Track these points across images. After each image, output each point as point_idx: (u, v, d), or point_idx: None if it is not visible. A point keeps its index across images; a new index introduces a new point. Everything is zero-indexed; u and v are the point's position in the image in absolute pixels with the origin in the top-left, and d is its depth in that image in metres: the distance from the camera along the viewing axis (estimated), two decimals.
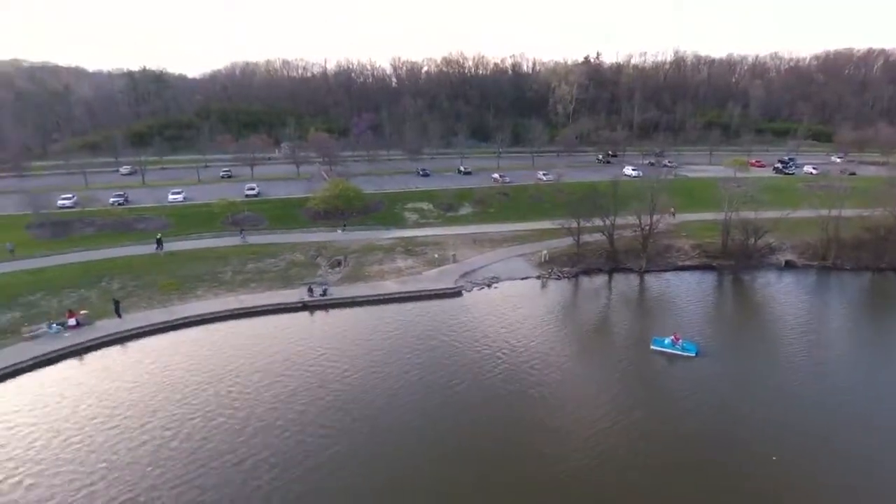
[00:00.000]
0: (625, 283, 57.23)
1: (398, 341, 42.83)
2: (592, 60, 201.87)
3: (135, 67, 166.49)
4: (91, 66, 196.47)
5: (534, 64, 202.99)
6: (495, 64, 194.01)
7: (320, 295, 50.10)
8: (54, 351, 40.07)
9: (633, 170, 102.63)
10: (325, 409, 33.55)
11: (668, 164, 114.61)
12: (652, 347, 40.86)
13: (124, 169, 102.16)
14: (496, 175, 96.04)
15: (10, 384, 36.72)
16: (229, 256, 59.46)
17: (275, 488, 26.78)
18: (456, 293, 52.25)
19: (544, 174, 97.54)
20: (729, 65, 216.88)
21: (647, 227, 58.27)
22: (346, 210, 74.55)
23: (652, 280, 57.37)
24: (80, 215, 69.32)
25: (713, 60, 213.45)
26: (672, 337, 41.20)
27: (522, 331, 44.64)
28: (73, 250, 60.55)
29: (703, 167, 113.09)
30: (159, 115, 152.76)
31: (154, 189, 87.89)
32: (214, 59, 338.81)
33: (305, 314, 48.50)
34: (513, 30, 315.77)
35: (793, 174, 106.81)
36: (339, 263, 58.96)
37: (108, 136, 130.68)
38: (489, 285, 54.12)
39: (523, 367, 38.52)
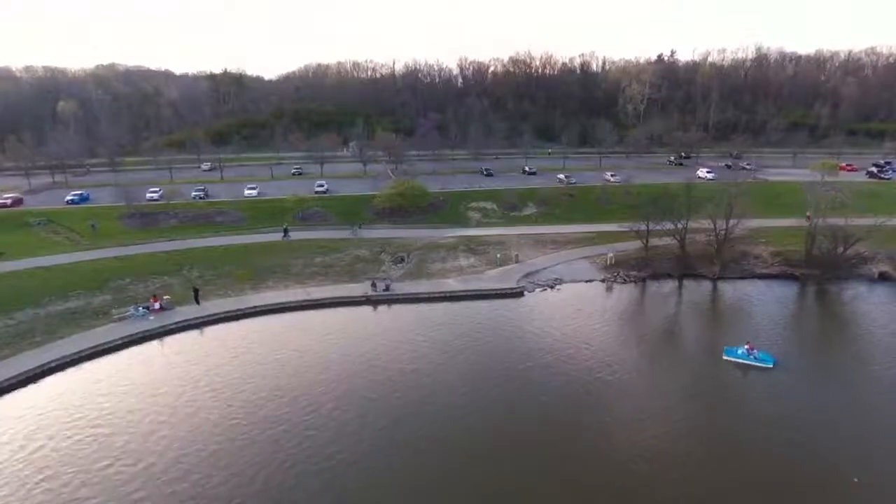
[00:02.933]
0: (696, 290, 54.59)
1: (458, 340, 42.85)
2: (666, 58, 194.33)
3: (217, 70, 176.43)
4: (178, 69, 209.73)
5: (603, 63, 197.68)
6: (563, 63, 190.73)
7: (383, 290, 51.05)
8: (139, 332, 43.11)
9: (708, 172, 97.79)
10: (383, 402, 34.11)
11: (746, 167, 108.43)
12: (724, 357, 38.69)
13: (205, 165, 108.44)
14: (561, 175, 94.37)
15: (102, 361, 39.83)
16: (299, 250, 61.74)
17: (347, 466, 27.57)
18: (517, 293, 51.74)
19: (612, 175, 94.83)
20: (818, 62, 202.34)
21: (722, 232, 55.23)
22: (410, 208, 75.63)
23: (726, 287, 54.35)
24: (165, 208, 74.21)
25: (800, 57, 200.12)
26: (746, 346, 38.87)
27: (585, 334, 43.57)
28: (159, 240, 64.96)
29: (785, 170, 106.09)
30: (238, 116, 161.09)
31: (231, 184, 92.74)
32: (290, 61, 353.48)
33: (368, 308, 49.55)
34: (583, 28, 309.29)
35: (889, 179, 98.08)
36: (402, 260, 59.85)
37: (192, 135, 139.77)
38: (552, 287, 53.22)
39: (585, 372, 37.55)
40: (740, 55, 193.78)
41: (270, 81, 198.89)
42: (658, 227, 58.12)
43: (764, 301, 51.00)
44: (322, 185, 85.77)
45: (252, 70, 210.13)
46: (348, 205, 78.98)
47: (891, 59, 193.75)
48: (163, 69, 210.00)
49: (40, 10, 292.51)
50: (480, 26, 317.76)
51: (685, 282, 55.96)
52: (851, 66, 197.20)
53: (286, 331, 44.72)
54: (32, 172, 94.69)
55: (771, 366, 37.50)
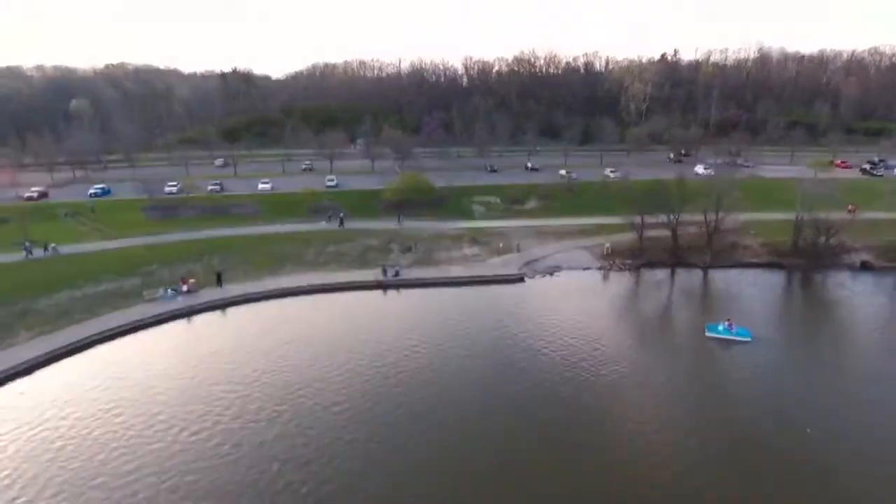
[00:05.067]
0: (687, 278, 57.87)
1: (463, 322, 46.31)
2: (670, 58, 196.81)
3: (226, 69, 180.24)
4: (185, 69, 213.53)
5: (606, 62, 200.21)
6: (567, 63, 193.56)
7: (393, 276, 54.57)
8: (168, 311, 46.86)
9: (705, 168, 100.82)
10: (393, 379, 37.64)
11: (743, 164, 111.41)
12: (707, 335, 42.05)
13: (218, 161, 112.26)
14: (563, 172, 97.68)
15: (139, 335, 43.66)
16: (312, 240, 65.35)
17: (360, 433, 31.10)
18: (518, 279, 55.17)
19: (612, 171, 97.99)
20: (820, 61, 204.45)
21: (713, 224, 58.46)
22: (417, 201, 79.08)
23: (716, 276, 57.63)
24: (184, 201, 78.04)
25: (802, 57, 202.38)
26: (726, 322, 42.20)
27: (581, 316, 46.97)
28: (180, 230, 68.68)
29: (782, 167, 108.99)
30: (248, 113, 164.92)
31: (245, 179, 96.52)
32: (297, 61, 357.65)
33: (379, 292, 53.17)
34: (587, 28, 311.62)
35: (881, 176, 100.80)
36: (410, 249, 63.31)
37: (204, 132, 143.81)
38: (551, 274, 56.62)
39: (581, 352, 40.86)
40: (742, 54, 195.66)
41: (279, 80, 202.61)
42: (652, 220, 61.36)
43: (750, 288, 54.29)
44: (332, 180, 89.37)
45: (260, 69, 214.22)
46: (358, 198, 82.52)
47: (894, 59, 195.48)
48: (171, 68, 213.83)
49: (48, 10, 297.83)
50: (485, 26, 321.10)
51: (677, 270, 59.23)
52: (854, 66, 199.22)
53: (303, 312, 48.38)
54: (53, 168, 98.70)
55: (749, 339, 40.86)
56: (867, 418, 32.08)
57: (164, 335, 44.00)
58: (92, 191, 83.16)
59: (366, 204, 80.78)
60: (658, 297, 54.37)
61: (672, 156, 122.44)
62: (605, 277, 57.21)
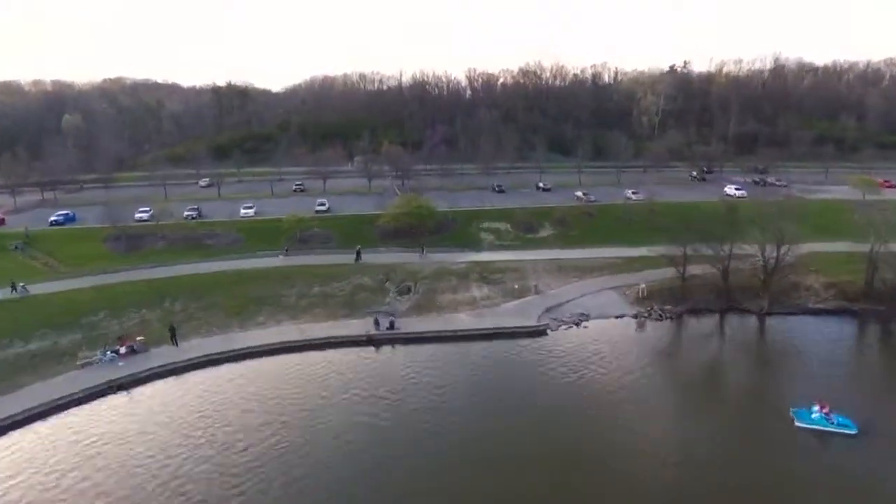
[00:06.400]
0: (742, 328, 48.20)
1: (472, 388, 37.12)
2: (679, 69, 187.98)
3: (224, 82, 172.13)
4: (187, 83, 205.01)
5: (615, 74, 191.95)
6: (574, 74, 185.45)
7: (387, 328, 45.11)
8: (104, 382, 37.37)
9: (737, 189, 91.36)
10: (385, 463, 28.04)
11: (777, 183, 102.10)
12: (796, 424, 32.21)
13: (203, 181, 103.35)
14: (579, 193, 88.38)
15: (55, 420, 34.07)
16: (295, 278, 56.01)
17: None
18: (539, 332, 45.60)
19: (633, 192, 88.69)
20: (836, 72, 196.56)
21: (772, 260, 48.79)
22: (418, 228, 69.89)
23: (776, 325, 47.91)
24: (153, 229, 68.88)
25: (817, 68, 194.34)
26: (818, 407, 32.50)
27: (619, 383, 37.51)
28: (143, 266, 59.46)
29: (819, 187, 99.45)
30: (240, 129, 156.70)
31: (229, 202, 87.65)
32: (297, 74, 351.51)
33: (370, 349, 43.62)
34: (593, 39, 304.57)
35: None
36: (408, 290, 53.96)
37: (192, 149, 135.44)
38: (577, 324, 47.02)
39: (621, 434, 31.38)
40: (757, 65, 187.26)
41: (276, 94, 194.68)
42: (694, 252, 51.67)
43: (822, 342, 44.47)
44: (323, 204, 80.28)
45: (261, 83, 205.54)
46: (351, 225, 73.34)
47: None
48: (170, 82, 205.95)
49: (50, 23, 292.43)
50: (489, 37, 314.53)
51: (728, 317, 49.50)
52: (871, 77, 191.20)
53: (274, 379, 38.88)
54: (20, 190, 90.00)
55: (854, 432, 31.10)
56: None
57: (91, 418, 34.42)
58: (53, 217, 74.18)
59: (360, 231, 71.51)
60: (712, 357, 44.78)
61: (695, 174, 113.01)
62: (643, 327, 47.61)
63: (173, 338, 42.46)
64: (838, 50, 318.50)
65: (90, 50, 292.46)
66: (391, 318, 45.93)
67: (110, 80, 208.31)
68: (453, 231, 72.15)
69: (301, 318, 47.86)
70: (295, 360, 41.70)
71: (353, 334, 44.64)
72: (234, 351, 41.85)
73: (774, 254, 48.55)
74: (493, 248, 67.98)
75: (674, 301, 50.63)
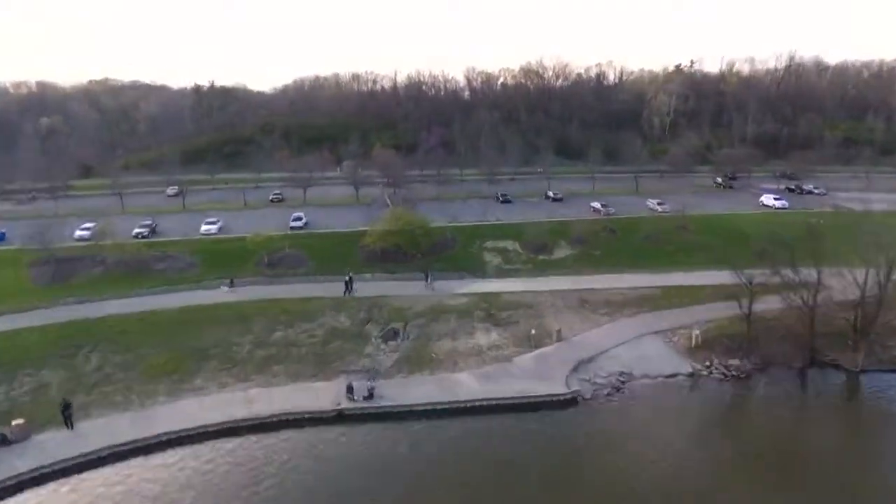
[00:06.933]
0: (832, 392, 36.88)
1: (480, 492, 25.57)
2: (685, 68, 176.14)
3: (215, 82, 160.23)
4: (178, 85, 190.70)
5: (621, 73, 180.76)
6: (578, 74, 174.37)
7: (364, 397, 33.58)
8: None
9: (776, 199, 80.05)
10: None
11: (815, 191, 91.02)
12: None
13: (170, 189, 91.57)
14: (596, 204, 77.00)
15: None
16: (253, 318, 44.45)
17: None
18: (569, 402, 34.13)
19: (658, 203, 77.40)
20: (853, 71, 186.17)
21: (871, 298, 37.31)
22: (410, 249, 58.51)
23: (879, 387, 36.55)
24: (91, 251, 57.20)
25: (828, 67, 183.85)
26: None
27: (685, 480, 26.09)
28: (67, 301, 47.70)
29: (863, 195, 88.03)
30: (221, 131, 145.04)
31: (194, 214, 76.14)
32: (289, 73, 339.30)
33: (339, 430, 32.10)
34: (597, 36, 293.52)
35: None
36: (395, 334, 42.50)
37: (166, 153, 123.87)
38: (618, 388, 35.58)
39: None
40: (771, 64, 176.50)
41: (261, 93, 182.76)
42: (763, 280, 40.11)
43: None
44: (299, 218, 68.66)
45: (256, 85, 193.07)
46: (331, 245, 61.81)
47: None
48: (158, 84, 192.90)
49: (48, 22, 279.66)
50: (487, 35, 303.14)
51: (811, 375, 38.07)
52: (886, 75, 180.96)
53: (203, 481, 27.39)
54: None
55: None
56: None
57: None
58: None
59: (341, 252, 60.08)
60: (802, 437, 33.44)
61: (720, 180, 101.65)
62: (701, 390, 36.28)
63: (67, 418, 30.82)
64: (839, 49, 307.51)
65: (83, 51, 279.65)
66: (370, 383, 34.26)
67: (95, 81, 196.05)
68: (452, 252, 60.69)
69: (253, 380, 36.36)
70: (235, 450, 30.20)
71: (318, 409, 33.02)
72: (149, 438, 30.23)
73: (878, 287, 37.03)
74: (499, 273, 56.53)
75: (738, 351, 39.16)
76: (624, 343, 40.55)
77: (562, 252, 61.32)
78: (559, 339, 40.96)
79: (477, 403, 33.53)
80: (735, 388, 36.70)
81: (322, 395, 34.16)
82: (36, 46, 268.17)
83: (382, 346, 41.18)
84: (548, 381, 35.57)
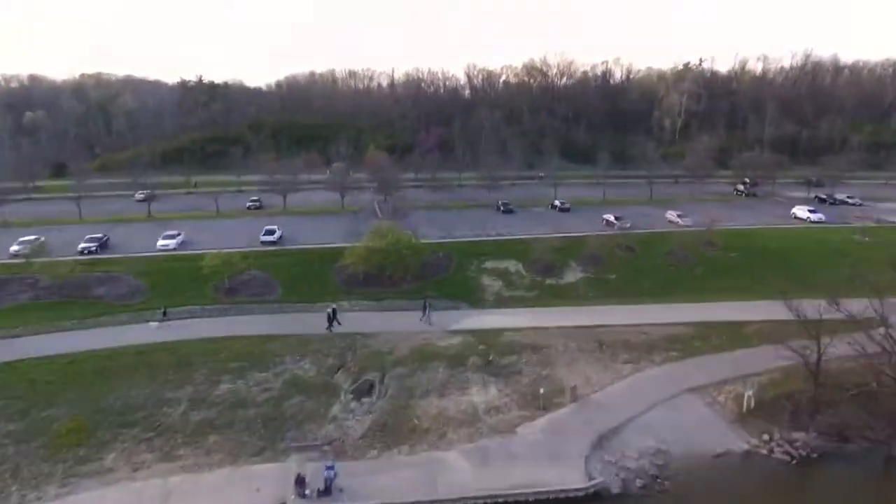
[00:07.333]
0: None
1: None
2: (695, 67, 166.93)
3: (208, 78, 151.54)
4: (172, 80, 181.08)
5: (628, 71, 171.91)
6: (584, 72, 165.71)
7: (319, 492, 25.20)
8: None
9: (811, 210, 71.54)
10: None
11: (850, 201, 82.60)
12: None
13: (139, 194, 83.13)
14: (609, 216, 68.52)
15: None
16: (196, 364, 36.14)
17: None
18: (590, 498, 25.75)
19: (679, 215, 69.00)
20: (866, 70, 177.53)
21: None
22: (395, 272, 50.24)
23: None
24: (22, 271, 48.81)
25: (845, 66, 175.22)
26: None
27: None
28: None
29: None
30: (207, 129, 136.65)
31: (159, 224, 67.96)
32: (285, 70, 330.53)
33: None
34: (602, 33, 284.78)
35: None
36: (370, 389, 34.23)
37: (145, 153, 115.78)
38: (655, 477, 27.14)
39: None
40: (786, 62, 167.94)
41: (251, 90, 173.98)
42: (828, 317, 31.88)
43: None
44: (272, 232, 60.21)
45: (251, 81, 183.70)
46: (305, 265, 53.42)
47: None
48: (154, 79, 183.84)
49: (39, 19, 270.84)
50: (489, 31, 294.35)
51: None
52: None
53: None
54: None
55: None
56: None
57: None
58: None
59: (317, 274, 51.90)
60: None
61: (741, 187, 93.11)
62: (762, 474, 27.91)
63: None
64: (853, 47, 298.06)
65: (81, 46, 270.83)
66: (328, 472, 25.81)
67: (87, 75, 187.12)
68: (446, 275, 52.35)
69: (180, 457, 28.03)
70: None
71: None
72: None
73: None
74: (500, 301, 48.19)
75: (804, 419, 30.81)
76: (656, 406, 32.14)
77: (572, 275, 52.95)
78: (574, 399, 32.60)
79: (468, 500, 25.13)
80: (805, 472, 28.33)
81: (265, 488, 25.76)
82: (34, 43, 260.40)
83: (353, 403, 32.89)
84: (562, 463, 27.20)
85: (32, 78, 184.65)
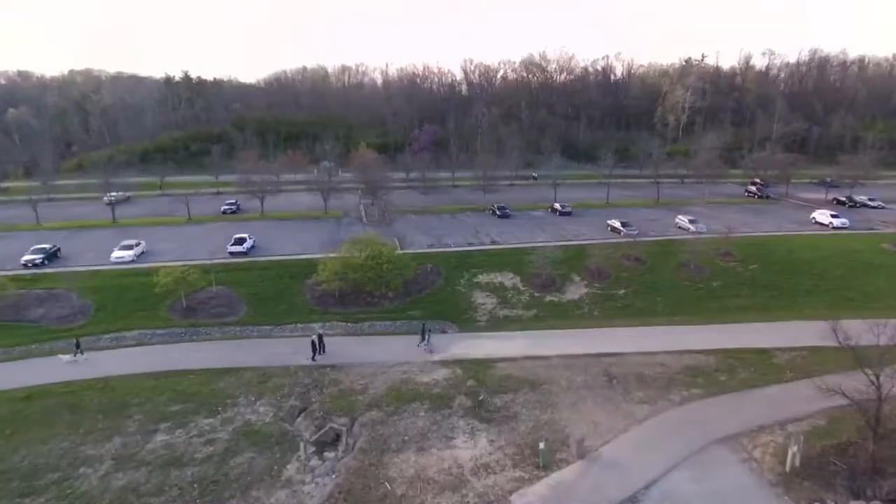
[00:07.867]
0: None
1: None
2: (696, 62, 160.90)
3: (194, 74, 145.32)
4: (158, 76, 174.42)
5: (629, 67, 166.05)
6: (584, 67, 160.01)
7: None
8: None
9: (833, 216, 65.80)
10: None
11: (871, 203, 77.04)
12: None
13: (107, 197, 77.07)
14: (615, 222, 62.74)
15: None
16: (130, 408, 30.38)
17: None
18: None
19: (690, 220, 63.30)
20: (874, 65, 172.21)
21: None
22: (375, 289, 44.50)
23: None
24: None
25: (853, 62, 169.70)
26: None
27: None
28: None
29: None
30: (190, 127, 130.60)
31: (121, 231, 62.61)
32: (276, 66, 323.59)
33: None
34: (602, 28, 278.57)
35: None
36: (336, 440, 28.52)
37: (119, 151, 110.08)
38: None
39: None
40: (792, 58, 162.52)
41: (236, 85, 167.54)
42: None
43: None
44: (242, 241, 54.31)
45: (244, 78, 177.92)
46: (276, 280, 47.63)
47: None
48: (145, 76, 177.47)
49: (36, 15, 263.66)
50: (486, 25, 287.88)
51: None
52: None
53: None
54: None
55: None
56: None
57: None
58: None
59: (288, 291, 46.09)
60: None
61: (754, 189, 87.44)
62: None
63: None
64: (859, 43, 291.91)
65: (76, 42, 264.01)
66: None
67: (77, 71, 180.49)
68: (433, 291, 46.61)
69: None
70: None
71: None
72: None
73: None
74: (494, 323, 42.46)
75: (862, 479, 25.12)
76: (679, 465, 26.40)
77: (575, 290, 47.21)
78: (580, 455, 26.87)
79: None
80: None
81: None
82: (25, 37, 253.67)
83: (314, 460, 27.17)
84: None
85: (21, 74, 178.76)
